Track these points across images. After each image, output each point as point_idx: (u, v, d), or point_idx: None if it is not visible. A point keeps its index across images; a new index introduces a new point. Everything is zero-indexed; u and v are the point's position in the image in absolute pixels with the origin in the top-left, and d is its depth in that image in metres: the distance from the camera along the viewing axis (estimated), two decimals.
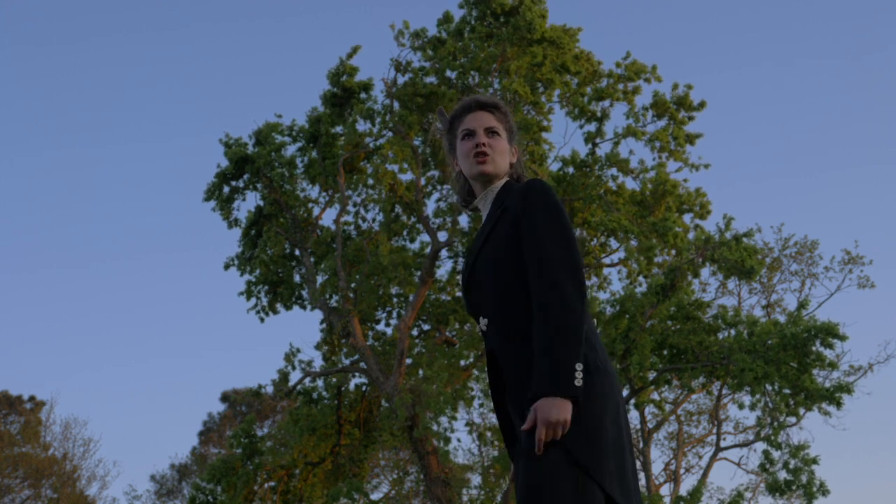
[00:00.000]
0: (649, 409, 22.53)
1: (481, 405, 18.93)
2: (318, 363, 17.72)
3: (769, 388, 14.36)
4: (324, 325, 17.68)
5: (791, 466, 14.10)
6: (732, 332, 15.03)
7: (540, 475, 2.32)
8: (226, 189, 17.85)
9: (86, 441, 29.83)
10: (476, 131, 2.75)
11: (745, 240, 14.75)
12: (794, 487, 14.02)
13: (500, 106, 2.83)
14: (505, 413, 2.64)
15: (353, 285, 16.46)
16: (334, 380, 17.00)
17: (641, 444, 23.09)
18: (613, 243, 17.23)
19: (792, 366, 13.92)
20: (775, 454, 14.38)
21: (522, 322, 2.52)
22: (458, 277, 2.82)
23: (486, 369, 2.90)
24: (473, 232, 15.74)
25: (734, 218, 15.13)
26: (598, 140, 16.78)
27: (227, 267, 17.92)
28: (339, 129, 17.55)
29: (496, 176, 2.75)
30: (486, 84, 16.33)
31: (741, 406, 15.27)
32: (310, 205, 18.06)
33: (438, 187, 17.60)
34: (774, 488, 14.08)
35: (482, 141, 2.73)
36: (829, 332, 13.71)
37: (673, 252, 15.96)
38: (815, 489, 13.81)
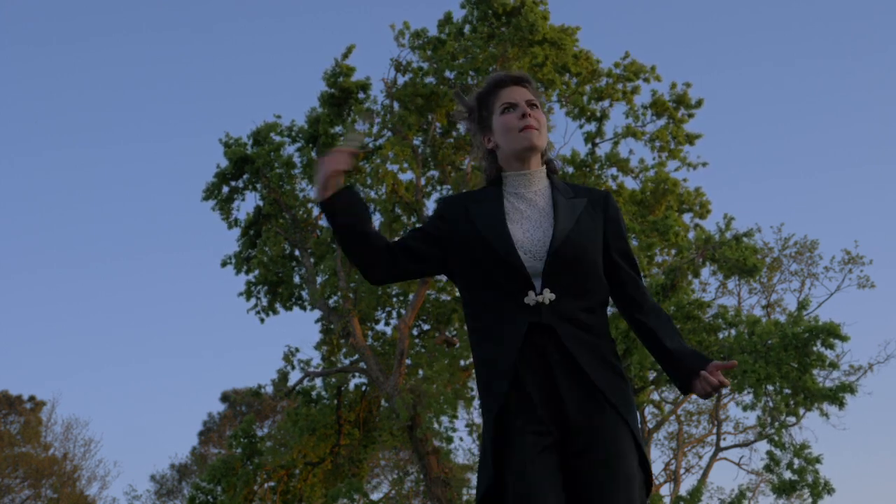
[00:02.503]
0: (649, 409, 22.52)
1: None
2: (318, 363, 17.72)
3: (769, 388, 14.35)
4: (323, 325, 17.68)
5: (795, 466, 14.10)
6: (733, 332, 15.01)
7: (632, 466, 2.47)
8: (225, 189, 17.83)
9: (86, 441, 29.85)
10: (519, 103, 2.69)
11: (745, 240, 14.73)
12: (799, 487, 14.03)
13: (531, 80, 2.78)
14: (528, 392, 2.49)
15: (352, 285, 16.44)
16: (333, 380, 16.98)
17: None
18: None
19: (792, 366, 13.91)
20: (778, 454, 14.38)
21: (599, 313, 2.60)
22: (507, 232, 2.54)
23: (521, 344, 2.67)
24: None
25: (734, 218, 15.13)
26: (597, 140, 16.78)
27: (223, 264, 17.90)
28: (338, 129, 17.53)
29: (542, 149, 2.71)
30: None
31: (745, 408, 15.25)
32: (309, 205, 18.04)
33: (438, 187, 17.60)
34: (781, 489, 14.07)
35: (528, 112, 2.67)
36: (831, 333, 13.68)
37: (673, 251, 15.96)
38: (820, 488, 13.81)
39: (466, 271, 2.63)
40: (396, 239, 2.71)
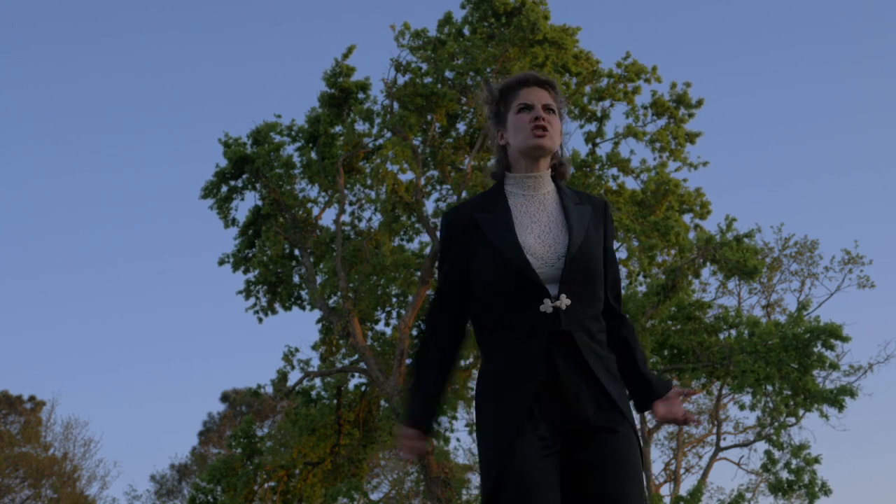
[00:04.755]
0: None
1: None
2: (317, 363, 17.70)
3: (769, 388, 14.33)
4: (323, 326, 17.66)
5: (793, 466, 14.09)
6: (733, 332, 15.00)
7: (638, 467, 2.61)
8: (224, 188, 17.80)
9: (86, 441, 29.85)
10: (535, 105, 2.70)
11: (745, 240, 14.72)
12: (796, 487, 14.01)
13: (556, 85, 2.80)
14: (546, 399, 2.50)
15: (352, 285, 16.43)
16: (332, 380, 16.97)
17: (642, 444, 23.06)
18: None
19: (792, 367, 13.89)
20: (776, 454, 14.37)
21: (601, 321, 2.63)
22: (526, 238, 2.59)
23: (532, 352, 2.50)
24: None
25: (736, 218, 15.10)
26: (598, 140, 16.77)
27: (220, 262, 17.88)
28: (338, 128, 17.52)
29: (551, 152, 2.72)
30: None
31: (742, 407, 15.25)
32: (309, 205, 18.03)
33: (438, 187, 17.59)
34: (777, 488, 14.06)
35: (542, 115, 2.69)
36: (833, 334, 13.65)
37: (673, 252, 15.95)
38: (817, 489, 13.80)
39: (478, 279, 2.62)
40: (442, 313, 2.83)
